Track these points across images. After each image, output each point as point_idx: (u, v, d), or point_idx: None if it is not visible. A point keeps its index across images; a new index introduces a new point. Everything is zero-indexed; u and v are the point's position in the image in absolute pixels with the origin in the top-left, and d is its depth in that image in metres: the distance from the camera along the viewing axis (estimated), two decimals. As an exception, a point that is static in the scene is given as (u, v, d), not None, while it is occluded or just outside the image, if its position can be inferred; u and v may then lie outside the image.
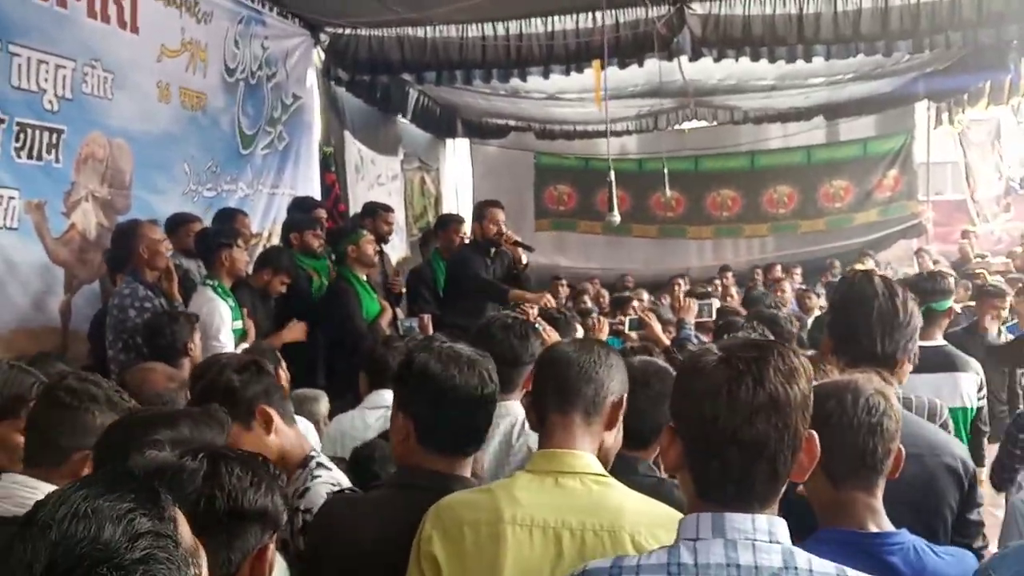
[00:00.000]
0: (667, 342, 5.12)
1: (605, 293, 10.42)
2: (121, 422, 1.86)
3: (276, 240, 6.71)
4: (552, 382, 1.93)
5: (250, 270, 5.29)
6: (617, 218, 7.65)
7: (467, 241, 6.24)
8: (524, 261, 5.86)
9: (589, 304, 9.16)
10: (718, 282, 10.83)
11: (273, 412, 2.31)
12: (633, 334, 5.50)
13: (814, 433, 1.43)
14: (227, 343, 4.54)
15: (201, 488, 1.37)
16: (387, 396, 3.03)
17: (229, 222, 5.57)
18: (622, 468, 2.34)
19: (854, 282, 2.42)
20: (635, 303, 7.36)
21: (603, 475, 1.84)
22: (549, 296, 5.28)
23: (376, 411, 3.42)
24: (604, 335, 5.09)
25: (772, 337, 3.42)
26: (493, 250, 5.95)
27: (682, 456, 1.44)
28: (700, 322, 5.62)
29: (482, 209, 6.07)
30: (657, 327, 5.39)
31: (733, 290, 10.60)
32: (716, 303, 6.15)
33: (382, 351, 3.54)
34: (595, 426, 1.91)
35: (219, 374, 2.28)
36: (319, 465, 2.32)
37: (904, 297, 2.37)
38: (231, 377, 2.28)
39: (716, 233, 13.80)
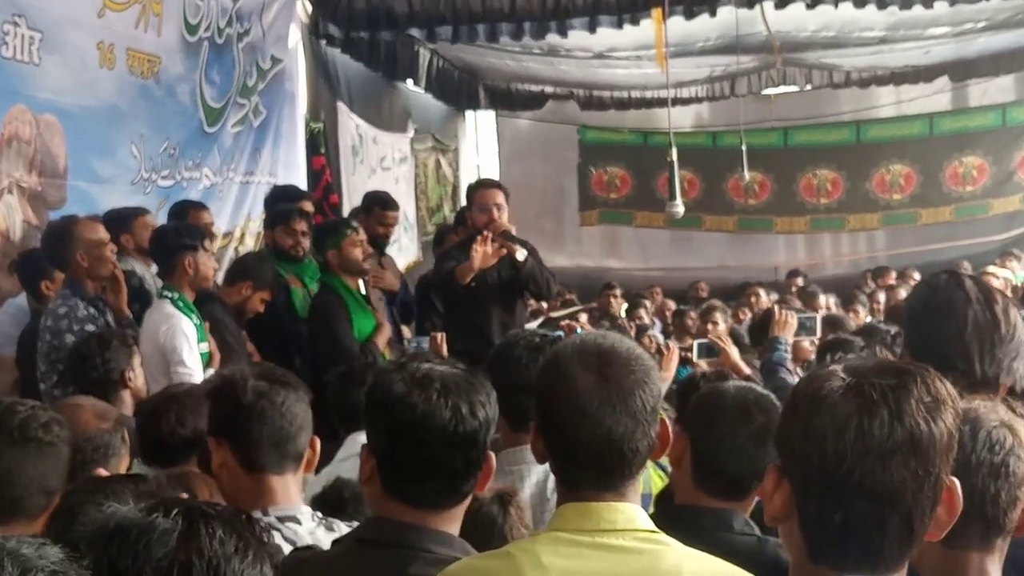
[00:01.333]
0: (747, 371, 5.08)
1: (671, 305, 10.34)
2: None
3: (250, 242, 6.71)
4: None
5: (218, 279, 5.28)
6: (680, 208, 7.57)
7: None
8: (521, 257, 5.76)
9: (647, 319, 9.08)
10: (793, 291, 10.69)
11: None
12: (703, 363, 5.46)
13: (956, 481, 1.45)
14: (195, 370, 4.53)
15: (175, 553, 1.35)
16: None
17: (186, 217, 5.56)
18: (712, 524, 2.33)
19: (939, 286, 2.43)
20: (715, 318, 7.26)
21: (654, 531, 1.84)
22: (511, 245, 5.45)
23: (350, 461, 3.39)
24: (674, 363, 5.03)
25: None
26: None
27: (790, 504, 1.46)
28: (797, 341, 5.56)
29: (470, 194, 6.03)
30: (734, 352, 5.35)
31: (831, 300, 10.47)
32: (818, 316, 6.07)
33: (339, 384, 3.52)
34: (642, 467, 1.91)
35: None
36: (283, 519, 2.33)
37: (1004, 305, 2.37)
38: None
39: (811, 225, 13.73)
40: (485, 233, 5.68)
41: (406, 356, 2.20)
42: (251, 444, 2.36)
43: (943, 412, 1.41)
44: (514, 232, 5.85)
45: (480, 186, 6.09)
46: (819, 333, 5.71)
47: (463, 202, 7.25)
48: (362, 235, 5.60)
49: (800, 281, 11.14)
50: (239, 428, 2.37)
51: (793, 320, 5.34)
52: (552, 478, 2.50)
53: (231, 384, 2.41)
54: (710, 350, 5.56)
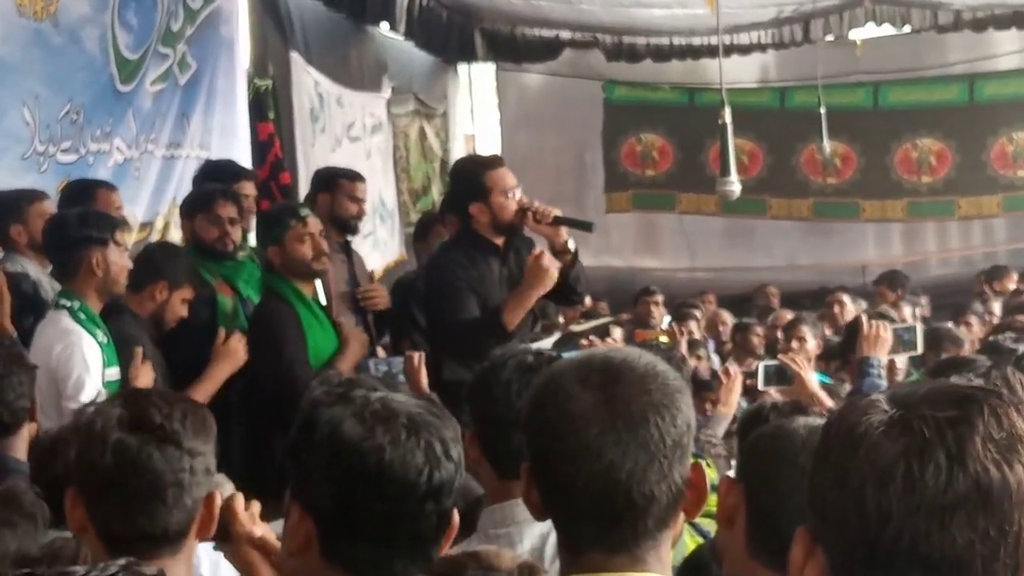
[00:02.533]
0: (829, 402, 5.07)
1: (727, 317, 10.28)
2: None
3: (176, 234, 6.68)
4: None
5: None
6: (736, 187, 7.53)
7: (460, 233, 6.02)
8: (571, 247, 5.65)
9: (698, 333, 9.04)
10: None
11: None
12: (772, 391, 5.43)
13: None
14: (96, 405, 4.49)
15: None
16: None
17: (89, 202, 5.51)
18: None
19: None
20: (801, 333, 7.23)
21: None
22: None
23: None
24: (735, 393, 4.99)
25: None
26: (501, 243, 5.70)
27: None
28: (892, 362, 5.56)
29: (476, 175, 5.69)
30: (812, 379, 5.35)
31: (920, 305, 10.43)
32: (919, 327, 6.06)
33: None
34: (667, 524, 1.90)
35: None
36: None
37: None
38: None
39: (910, 211, 13.70)
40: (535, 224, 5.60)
41: (344, 381, 2.19)
42: (108, 518, 2.38)
43: (1021, 452, 1.38)
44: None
45: (490, 165, 5.81)
46: (919, 349, 5.69)
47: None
48: (313, 225, 5.51)
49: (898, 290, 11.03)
50: (94, 493, 2.39)
51: (887, 334, 5.32)
52: (553, 539, 2.50)
53: (88, 435, 2.41)
54: (780, 374, 5.57)
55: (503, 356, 2.99)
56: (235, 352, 5.26)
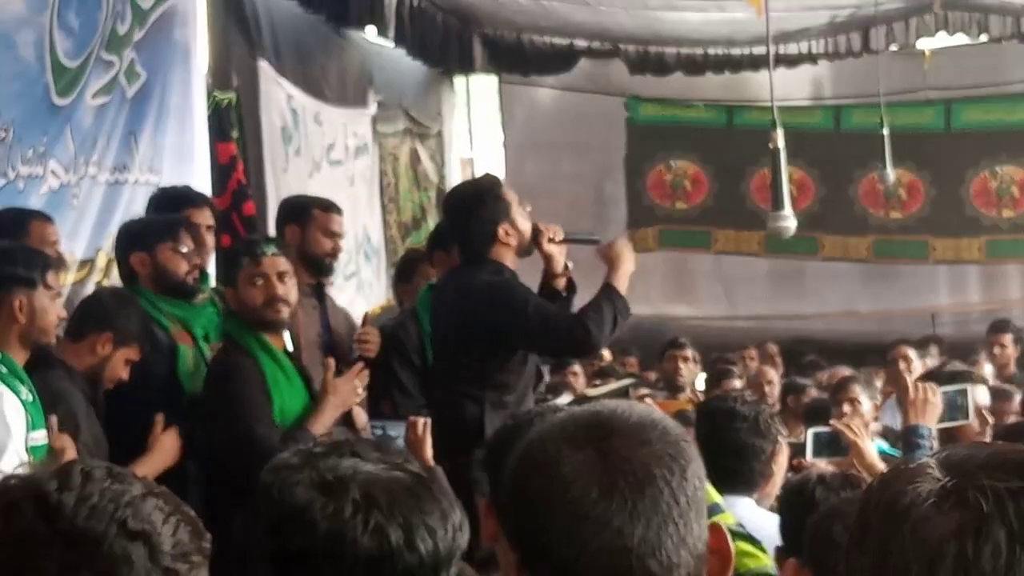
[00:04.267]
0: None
1: (773, 376, 10.24)
2: None
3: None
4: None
5: (61, 332, 5.23)
6: (792, 222, 7.52)
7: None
8: (564, 265, 6.03)
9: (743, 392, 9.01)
10: (985, 353, 10.63)
11: None
12: (821, 463, 5.42)
13: None
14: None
15: None
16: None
17: (18, 235, 5.51)
18: None
19: None
20: (852, 393, 7.26)
21: None
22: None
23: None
24: (782, 467, 4.99)
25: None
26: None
27: None
28: (947, 429, 5.54)
29: (497, 190, 6.05)
30: (870, 449, 5.34)
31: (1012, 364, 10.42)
32: (980, 392, 6.05)
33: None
34: None
35: None
36: None
37: None
38: None
39: (989, 251, 13.77)
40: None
41: (324, 443, 2.19)
42: None
43: None
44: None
45: (497, 182, 6.26)
46: (970, 417, 5.67)
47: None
48: (268, 266, 5.51)
49: (1008, 340, 11.00)
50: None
51: (936, 398, 5.31)
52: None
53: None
54: (833, 442, 5.57)
55: (527, 415, 3.03)
56: (168, 451, 5.19)
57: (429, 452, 5.22)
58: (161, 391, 5.55)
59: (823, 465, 5.45)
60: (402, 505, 2.05)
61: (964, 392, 5.80)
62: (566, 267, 6.03)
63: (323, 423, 5.43)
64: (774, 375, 10.28)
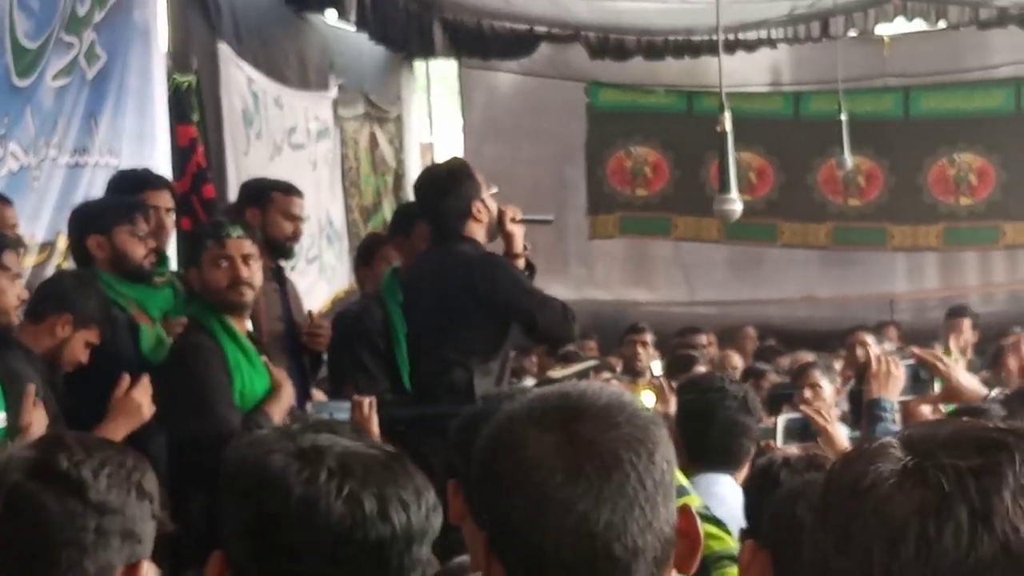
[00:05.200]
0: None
1: (738, 361, 10.26)
2: None
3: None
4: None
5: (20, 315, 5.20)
6: (737, 205, 7.55)
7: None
8: (522, 248, 6.11)
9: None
10: (944, 338, 10.69)
11: None
12: (793, 448, 5.44)
13: None
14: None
15: None
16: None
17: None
18: None
19: None
20: (813, 379, 7.26)
21: None
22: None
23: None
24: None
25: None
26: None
27: None
28: (908, 401, 5.57)
29: (468, 169, 6.24)
30: (841, 435, 5.35)
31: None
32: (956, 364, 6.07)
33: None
34: None
35: None
36: None
37: None
38: None
39: (947, 238, 13.80)
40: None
41: (302, 424, 2.19)
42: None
43: None
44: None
45: (466, 164, 6.45)
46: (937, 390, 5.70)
47: (410, 196, 7.25)
48: (233, 248, 5.52)
49: (967, 326, 11.09)
50: None
51: (899, 371, 5.34)
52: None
53: None
54: (804, 429, 5.58)
55: (496, 397, 3.02)
56: (137, 408, 5.13)
57: (376, 429, 5.21)
58: (126, 370, 5.44)
59: (795, 451, 5.48)
60: (377, 476, 2.03)
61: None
62: (525, 247, 6.11)
63: (282, 406, 5.46)
64: (739, 360, 10.30)
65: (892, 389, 5.34)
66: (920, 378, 5.63)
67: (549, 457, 1.80)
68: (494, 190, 6.14)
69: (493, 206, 6.06)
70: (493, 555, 1.88)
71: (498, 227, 6.11)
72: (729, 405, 4.73)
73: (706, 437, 4.61)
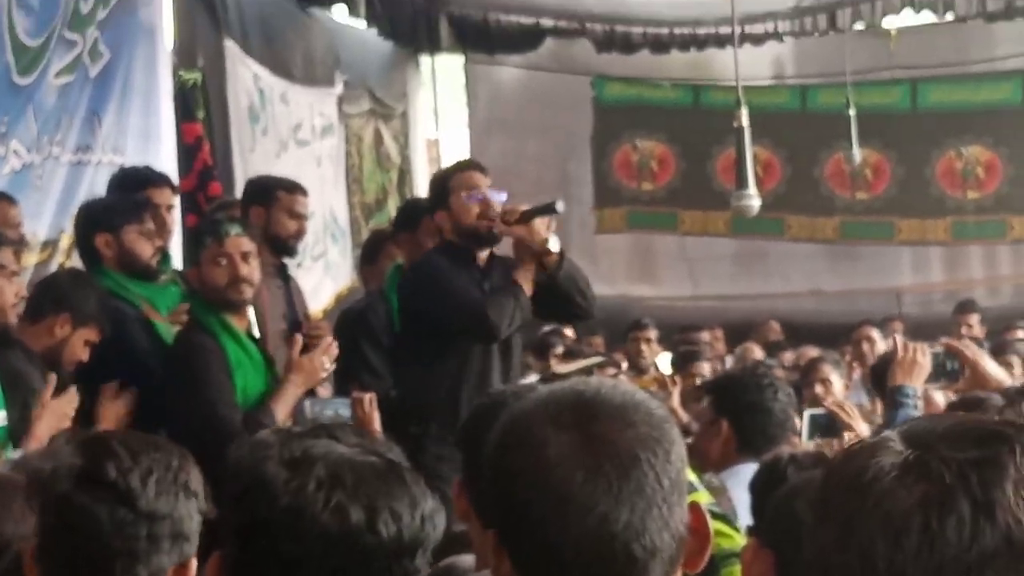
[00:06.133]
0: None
1: (759, 353, 10.22)
2: None
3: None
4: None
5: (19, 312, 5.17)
6: (756, 201, 7.55)
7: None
8: (555, 247, 5.80)
9: (708, 372, 9.00)
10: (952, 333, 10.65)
11: None
12: (810, 443, 5.44)
13: None
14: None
15: None
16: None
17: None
18: None
19: None
20: (822, 374, 7.23)
21: None
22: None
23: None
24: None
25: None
26: (483, 251, 5.93)
27: None
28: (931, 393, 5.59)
29: (445, 181, 6.01)
30: (865, 432, 5.26)
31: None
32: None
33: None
34: None
35: None
36: None
37: None
38: None
39: (954, 232, 13.79)
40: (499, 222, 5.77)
41: (303, 425, 2.18)
42: None
43: None
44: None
45: (461, 167, 6.14)
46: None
47: (415, 192, 7.23)
48: (232, 246, 5.47)
49: (975, 321, 11.03)
50: (45, 557, 2.37)
51: (925, 359, 5.33)
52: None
53: (39, 488, 2.41)
54: (829, 424, 5.58)
55: (501, 394, 2.98)
56: (64, 413, 4.97)
57: (378, 427, 5.21)
58: (141, 364, 5.53)
59: (811, 446, 5.47)
60: (368, 487, 2.03)
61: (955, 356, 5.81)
62: (546, 243, 5.81)
63: (286, 402, 5.42)
64: (760, 352, 10.25)
65: (917, 377, 5.35)
66: (948, 368, 5.63)
67: (568, 456, 1.78)
68: (502, 196, 5.94)
69: (469, 207, 5.84)
70: (503, 552, 1.86)
71: (490, 233, 5.91)
72: (781, 398, 4.93)
73: (764, 428, 4.83)
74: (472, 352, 5.87)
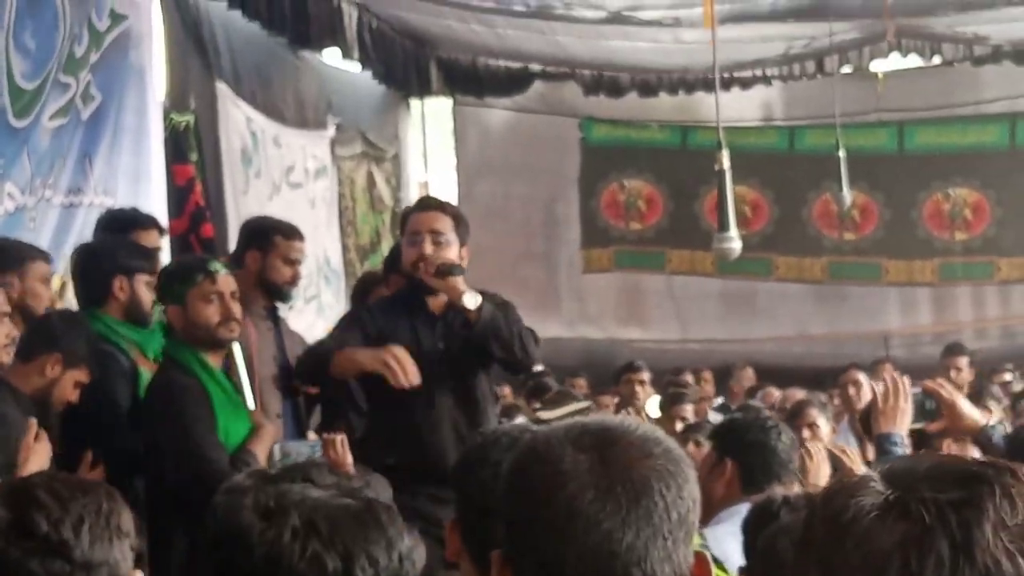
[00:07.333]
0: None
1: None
2: None
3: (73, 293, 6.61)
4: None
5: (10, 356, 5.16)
6: (736, 244, 7.53)
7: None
8: (472, 304, 5.58)
9: (690, 414, 9.00)
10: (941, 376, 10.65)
11: None
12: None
13: None
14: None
15: None
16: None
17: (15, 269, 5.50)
18: None
19: None
20: (810, 418, 7.23)
21: None
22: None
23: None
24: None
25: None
26: (430, 299, 5.80)
27: None
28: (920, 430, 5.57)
29: (402, 222, 6.00)
30: (862, 470, 5.30)
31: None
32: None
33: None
34: None
35: None
36: None
37: None
38: None
39: (942, 273, 13.77)
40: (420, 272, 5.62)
41: (279, 468, 2.18)
42: None
43: None
44: (463, 265, 5.71)
45: (414, 208, 6.01)
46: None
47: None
48: (224, 284, 5.46)
49: (964, 364, 10.97)
50: None
51: (907, 404, 5.33)
52: None
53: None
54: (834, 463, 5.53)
55: (494, 435, 2.98)
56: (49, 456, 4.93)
57: (350, 467, 5.15)
58: (126, 414, 5.50)
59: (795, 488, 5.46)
60: (344, 533, 2.02)
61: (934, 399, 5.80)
62: (461, 299, 5.64)
63: (263, 448, 5.36)
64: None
65: (901, 423, 5.34)
66: (926, 408, 5.62)
67: (582, 473, 1.81)
68: (427, 235, 5.70)
69: (408, 252, 5.75)
70: (507, 568, 1.89)
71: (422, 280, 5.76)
72: (784, 440, 4.98)
73: (768, 466, 4.86)
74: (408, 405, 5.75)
